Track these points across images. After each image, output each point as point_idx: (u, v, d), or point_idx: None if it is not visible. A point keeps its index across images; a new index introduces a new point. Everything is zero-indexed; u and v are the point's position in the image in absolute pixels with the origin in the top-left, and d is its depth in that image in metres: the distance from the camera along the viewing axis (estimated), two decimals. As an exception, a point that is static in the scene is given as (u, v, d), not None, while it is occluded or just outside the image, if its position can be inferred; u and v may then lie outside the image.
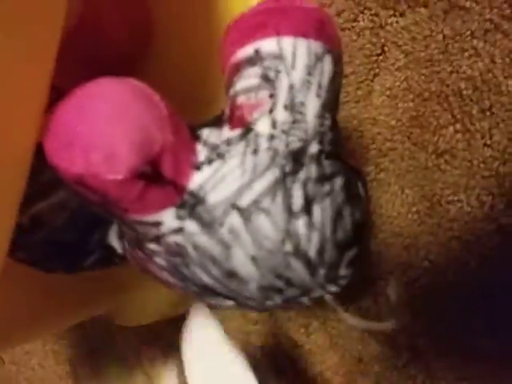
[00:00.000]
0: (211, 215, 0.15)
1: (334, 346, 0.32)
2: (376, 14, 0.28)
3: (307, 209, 0.15)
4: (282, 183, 0.15)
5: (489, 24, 0.25)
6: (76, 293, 0.24)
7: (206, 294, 0.17)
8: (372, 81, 0.29)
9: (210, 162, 0.15)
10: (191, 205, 0.15)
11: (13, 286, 0.18)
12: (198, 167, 0.15)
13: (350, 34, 0.29)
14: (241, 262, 0.15)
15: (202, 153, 0.15)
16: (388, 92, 0.28)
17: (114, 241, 0.18)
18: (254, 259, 0.15)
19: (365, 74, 0.29)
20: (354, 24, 0.29)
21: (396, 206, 0.29)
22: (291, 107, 0.15)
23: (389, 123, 0.28)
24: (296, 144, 0.15)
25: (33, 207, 0.17)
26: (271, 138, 0.15)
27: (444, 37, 0.26)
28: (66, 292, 0.23)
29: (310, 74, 0.15)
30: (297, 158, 0.15)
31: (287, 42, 0.15)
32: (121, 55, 0.23)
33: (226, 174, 0.15)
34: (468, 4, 0.26)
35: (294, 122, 0.15)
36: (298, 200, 0.15)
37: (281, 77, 0.15)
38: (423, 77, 0.27)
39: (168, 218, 0.15)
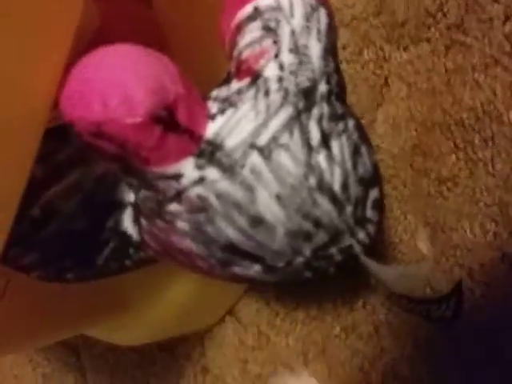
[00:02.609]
0: (231, 159, 0.15)
1: (333, 375, 0.31)
2: (381, 49, 0.30)
3: (326, 143, 0.15)
4: (297, 119, 0.15)
5: (489, 59, 0.26)
6: (71, 305, 0.23)
7: (231, 257, 0.17)
8: (375, 110, 0.30)
9: (222, 111, 0.16)
10: (209, 152, 0.15)
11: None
12: (211, 118, 0.15)
13: (355, 66, 0.30)
14: (266, 203, 0.15)
15: (213, 107, 0.16)
16: (391, 121, 0.29)
17: (129, 226, 0.18)
18: (278, 198, 0.15)
19: (368, 103, 0.30)
20: (359, 57, 0.30)
21: (398, 232, 0.29)
22: (296, 50, 0.16)
23: (391, 151, 0.29)
24: (305, 83, 0.16)
25: (44, 194, 0.17)
26: (280, 79, 0.16)
27: (446, 70, 0.28)
28: (61, 303, 0.22)
29: (308, 20, 0.16)
30: (308, 96, 0.16)
31: None
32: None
33: (240, 118, 0.15)
34: (469, 40, 0.27)
35: (301, 63, 0.16)
36: (315, 135, 0.15)
37: (282, 25, 0.16)
38: (426, 107, 0.28)
39: (188, 169, 0.15)
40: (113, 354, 0.40)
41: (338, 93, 0.17)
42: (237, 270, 0.17)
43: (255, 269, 0.17)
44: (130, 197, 0.18)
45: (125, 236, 0.18)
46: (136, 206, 0.18)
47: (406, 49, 0.29)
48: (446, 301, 0.18)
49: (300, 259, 0.17)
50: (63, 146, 0.17)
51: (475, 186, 0.27)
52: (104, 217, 0.18)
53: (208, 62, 0.23)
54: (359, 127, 0.17)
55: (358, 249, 0.18)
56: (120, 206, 0.18)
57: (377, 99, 0.29)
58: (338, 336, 0.31)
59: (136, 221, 0.18)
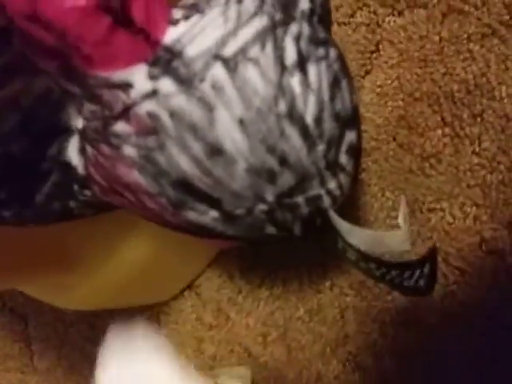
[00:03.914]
0: (190, 69, 0.13)
1: (292, 360, 0.29)
2: (374, 12, 0.28)
3: (301, 66, 0.14)
4: (272, 32, 0.13)
5: (486, 29, 0.24)
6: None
7: (184, 198, 0.15)
8: (363, 77, 0.28)
9: (187, 17, 0.13)
10: (166, 60, 0.13)
11: None
12: (173, 23, 0.13)
13: (346, 29, 0.28)
14: (226, 128, 0.13)
15: (178, 13, 0.14)
16: (378, 90, 0.27)
17: (73, 156, 0.16)
18: (241, 123, 0.13)
19: (356, 69, 0.28)
20: (351, 20, 0.28)
21: (374, 210, 0.27)
22: None
23: (375, 122, 0.27)
24: None
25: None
26: None
27: (440, 39, 0.26)
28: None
29: None
30: (287, 9, 0.14)
31: None
32: None
33: (206, 25, 0.13)
34: (467, 8, 0.25)
35: None
36: (290, 54, 0.14)
37: None
38: (416, 76, 0.26)
39: (139, 78, 0.13)
40: (62, 324, 0.37)
41: (322, 16, 0.15)
42: (191, 215, 0.15)
43: (211, 215, 0.15)
44: (78, 123, 0.16)
45: (68, 168, 0.16)
46: (82, 133, 0.16)
47: (400, 14, 0.27)
48: (420, 266, 0.16)
49: (262, 207, 0.15)
50: (1, 50, 0.14)
51: (459, 165, 0.25)
52: (45, 142, 0.16)
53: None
54: (342, 59, 0.15)
55: (327, 202, 0.16)
56: (65, 131, 0.16)
57: (365, 65, 0.27)
58: (301, 318, 0.29)
59: (82, 150, 0.16)
